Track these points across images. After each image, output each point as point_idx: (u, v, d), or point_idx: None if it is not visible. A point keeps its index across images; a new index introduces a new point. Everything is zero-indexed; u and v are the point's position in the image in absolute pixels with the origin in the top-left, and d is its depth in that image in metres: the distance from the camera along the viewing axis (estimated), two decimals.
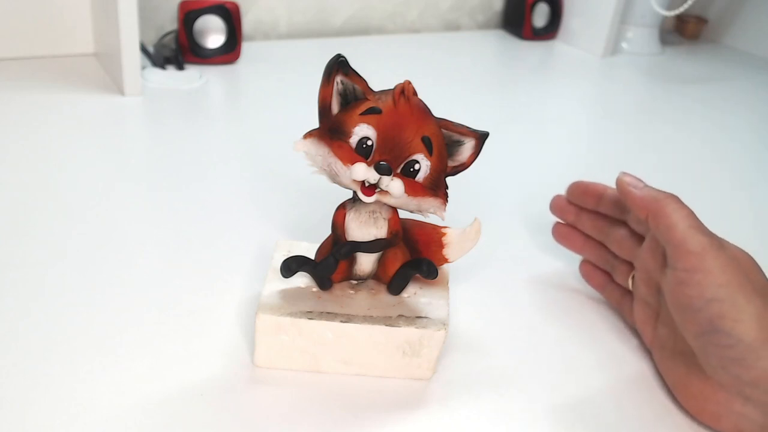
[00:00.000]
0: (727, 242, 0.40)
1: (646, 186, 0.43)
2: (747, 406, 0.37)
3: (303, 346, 0.40)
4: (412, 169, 0.38)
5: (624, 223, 0.47)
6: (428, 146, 0.38)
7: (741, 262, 0.39)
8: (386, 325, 0.39)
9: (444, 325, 0.40)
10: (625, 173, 0.44)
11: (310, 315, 0.39)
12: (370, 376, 0.41)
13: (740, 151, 0.82)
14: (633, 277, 0.46)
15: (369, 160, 0.37)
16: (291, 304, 0.40)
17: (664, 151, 0.79)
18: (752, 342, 0.36)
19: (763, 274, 0.39)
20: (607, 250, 0.49)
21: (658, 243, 0.42)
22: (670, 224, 0.40)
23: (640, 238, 0.45)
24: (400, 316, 0.40)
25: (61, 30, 0.84)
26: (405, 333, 0.39)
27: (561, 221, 0.52)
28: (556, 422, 0.39)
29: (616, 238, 0.47)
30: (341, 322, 0.39)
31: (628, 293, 0.47)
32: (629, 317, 0.47)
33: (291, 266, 0.39)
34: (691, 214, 0.40)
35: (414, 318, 0.40)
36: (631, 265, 0.46)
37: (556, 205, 0.52)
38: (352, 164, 0.36)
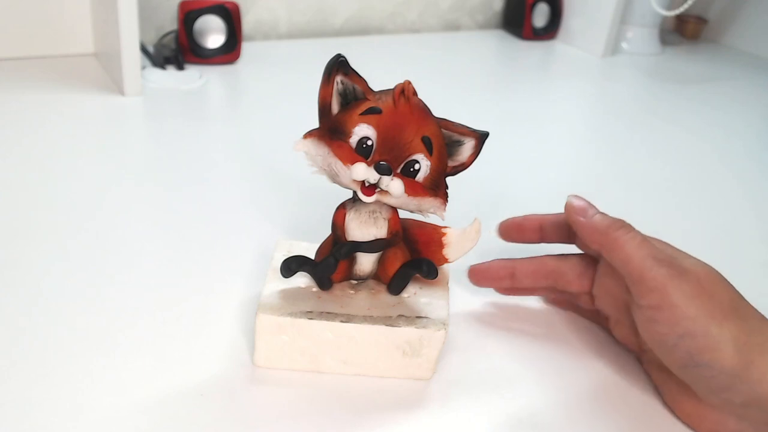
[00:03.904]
0: (687, 260, 0.39)
1: (597, 213, 0.41)
2: (742, 424, 0.37)
3: (303, 346, 0.40)
4: (412, 169, 0.38)
5: (566, 257, 0.45)
6: (428, 146, 0.38)
7: (704, 282, 0.37)
8: (386, 325, 0.39)
9: (444, 325, 0.40)
10: (574, 197, 0.43)
11: (310, 315, 0.39)
12: (370, 376, 0.41)
13: (740, 151, 0.82)
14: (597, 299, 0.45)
15: (369, 160, 0.37)
16: (291, 304, 0.40)
17: (664, 150, 0.79)
18: (733, 369, 0.35)
19: (729, 286, 0.38)
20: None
21: (613, 268, 0.41)
22: (625, 258, 0.39)
23: (590, 263, 0.44)
24: (400, 316, 0.40)
25: (61, 30, 0.84)
26: (405, 333, 0.39)
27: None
28: (557, 423, 0.39)
29: (565, 281, 0.45)
30: (341, 322, 0.39)
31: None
32: (610, 332, 0.45)
33: (291, 266, 0.39)
34: (644, 242, 0.39)
35: (414, 318, 0.40)
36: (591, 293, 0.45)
37: (484, 277, 0.47)
38: (352, 164, 0.36)
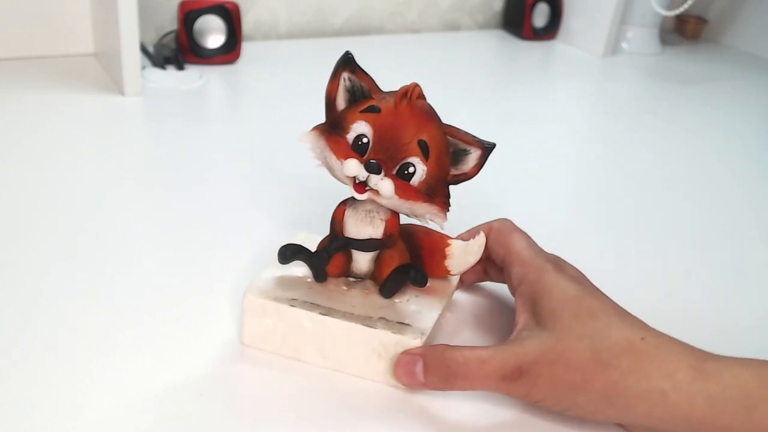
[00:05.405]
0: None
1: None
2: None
3: (284, 332, 0.40)
4: (406, 172, 0.38)
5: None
6: (424, 151, 0.37)
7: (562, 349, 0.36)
8: (363, 325, 0.39)
9: (422, 334, 0.39)
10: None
11: (293, 302, 0.39)
12: (348, 374, 0.40)
13: (740, 151, 0.82)
14: None
15: (364, 157, 0.37)
16: (280, 290, 0.40)
17: (664, 150, 0.79)
18: (602, 398, 0.36)
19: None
20: None
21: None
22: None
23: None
24: (382, 318, 0.39)
25: (61, 30, 0.84)
26: (380, 336, 0.39)
27: None
28: (555, 423, 0.39)
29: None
30: (320, 314, 0.39)
31: None
32: None
33: (286, 253, 0.40)
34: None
35: (395, 323, 0.39)
36: None
37: None
38: (345, 159, 0.37)
